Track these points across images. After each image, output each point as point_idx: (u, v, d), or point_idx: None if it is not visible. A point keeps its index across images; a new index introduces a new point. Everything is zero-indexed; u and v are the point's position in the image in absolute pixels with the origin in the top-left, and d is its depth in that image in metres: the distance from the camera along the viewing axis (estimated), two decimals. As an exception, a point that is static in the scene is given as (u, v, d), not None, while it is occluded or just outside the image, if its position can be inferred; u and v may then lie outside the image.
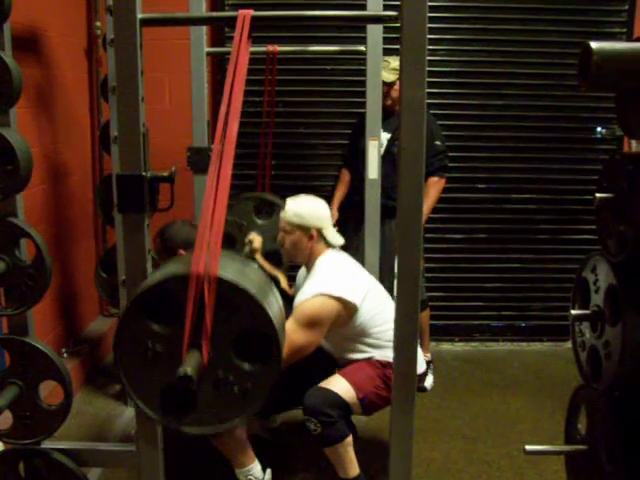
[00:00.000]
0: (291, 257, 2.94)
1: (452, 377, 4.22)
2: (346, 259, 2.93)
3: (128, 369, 1.64)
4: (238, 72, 1.64)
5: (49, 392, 2.75)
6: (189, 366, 1.51)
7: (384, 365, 2.74)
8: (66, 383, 2.48)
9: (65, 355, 3.86)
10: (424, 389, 3.98)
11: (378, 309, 2.79)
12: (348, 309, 2.70)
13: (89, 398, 3.80)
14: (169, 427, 1.71)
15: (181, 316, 1.56)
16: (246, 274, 1.65)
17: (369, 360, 2.80)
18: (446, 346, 4.76)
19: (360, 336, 2.80)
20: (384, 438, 3.14)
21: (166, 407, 1.66)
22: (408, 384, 1.78)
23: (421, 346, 4.03)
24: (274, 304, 1.67)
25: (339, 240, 2.88)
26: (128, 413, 3.53)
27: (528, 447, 1.87)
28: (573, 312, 1.81)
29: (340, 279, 2.75)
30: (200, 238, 1.57)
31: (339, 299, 2.66)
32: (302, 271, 3.06)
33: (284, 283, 3.05)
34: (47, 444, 2.52)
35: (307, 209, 2.82)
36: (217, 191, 1.59)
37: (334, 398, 2.66)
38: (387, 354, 2.73)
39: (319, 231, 2.81)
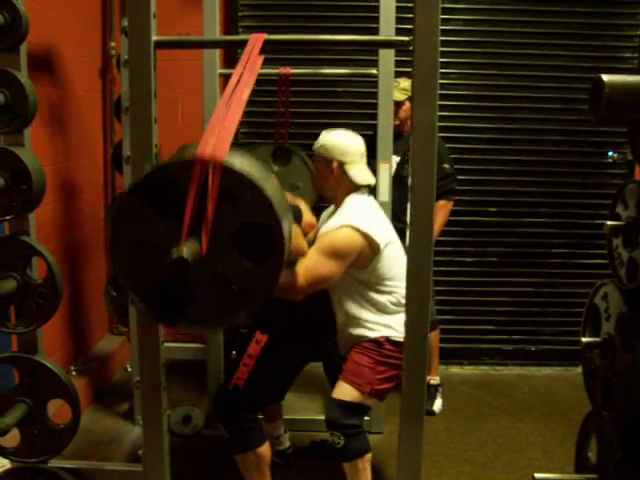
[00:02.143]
0: (318, 188, 2.89)
1: (461, 401, 4.19)
2: (375, 203, 2.86)
3: (123, 260, 1.59)
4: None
5: (57, 410, 2.75)
6: (185, 248, 1.46)
7: (380, 344, 2.68)
8: (74, 402, 2.48)
9: (74, 373, 3.86)
10: (432, 413, 3.95)
11: (396, 262, 2.69)
12: (372, 248, 2.62)
13: (97, 416, 3.79)
14: (163, 323, 1.66)
15: (183, 207, 1.51)
16: (256, 169, 1.58)
17: (365, 346, 2.72)
18: (455, 369, 4.73)
19: (372, 287, 2.70)
20: (392, 463, 3.13)
21: (160, 302, 1.60)
22: (416, 419, 1.77)
23: (429, 368, 4.01)
24: (283, 204, 1.59)
25: (365, 179, 2.77)
26: (136, 432, 3.52)
27: (537, 475, 1.85)
28: (584, 339, 1.80)
29: (369, 217, 2.67)
30: (212, 124, 1.54)
31: (366, 235, 2.58)
32: (328, 210, 2.98)
33: (306, 211, 2.89)
34: (54, 463, 2.52)
35: (333, 141, 2.74)
36: (239, 84, 1.58)
37: (347, 406, 2.66)
38: (388, 322, 2.70)
39: (341, 165, 2.72)
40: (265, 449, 2.74)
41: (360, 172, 2.75)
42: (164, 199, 1.54)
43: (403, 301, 2.65)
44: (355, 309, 2.75)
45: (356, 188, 2.76)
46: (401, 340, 2.61)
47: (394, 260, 2.69)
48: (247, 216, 1.51)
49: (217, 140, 1.51)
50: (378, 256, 2.65)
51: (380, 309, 2.73)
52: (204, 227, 1.50)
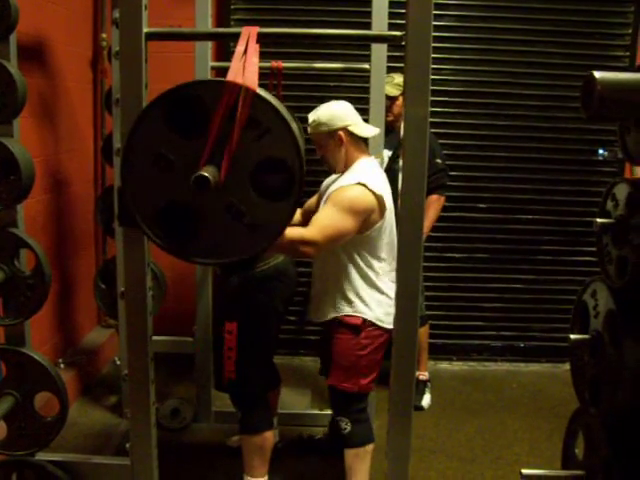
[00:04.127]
0: (330, 166, 2.78)
1: (449, 396, 4.20)
2: (382, 172, 2.81)
3: (134, 176, 1.56)
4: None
5: (45, 403, 2.74)
6: (207, 170, 1.44)
7: (357, 329, 2.64)
8: (62, 395, 2.47)
9: (62, 366, 3.85)
10: (421, 408, 3.96)
11: (391, 238, 2.67)
12: (381, 211, 2.58)
13: (85, 409, 3.78)
14: (169, 252, 1.63)
15: (204, 129, 1.49)
16: (284, 108, 1.57)
17: (343, 338, 2.67)
18: (444, 365, 4.74)
19: (364, 256, 2.63)
20: (381, 457, 3.14)
21: (168, 229, 1.59)
22: (404, 416, 1.77)
23: (418, 364, 4.02)
24: (303, 147, 1.58)
25: (371, 131, 2.74)
26: (124, 426, 3.51)
27: (524, 471, 1.86)
28: (572, 336, 1.80)
29: (378, 182, 2.62)
30: (238, 52, 1.52)
31: (378, 196, 2.54)
32: (330, 178, 2.90)
33: None
34: (41, 456, 2.51)
35: (327, 113, 2.67)
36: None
37: (347, 395, 2.69)
38: (367, 298, 2.65)
39: (345, 130, 2.66)
40: (271, 435, 2.84)
41: (363, 127, 2.72)
42: (188, 118, 1.52)
43: (385, 278, 2.67)
44: (341, 273, 2.67)
45: (365, 148, 2.75)
46: (377, 323, 2.64)
47: (389, 232, 2.67)
48: (271, 150, 1.50)
49: (247, 71, 1.49)
50: (380, 222, 2.61)
51: (360, 279, 2.66)
52: (226, 153, 1.48)
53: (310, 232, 2.40)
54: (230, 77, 1.49)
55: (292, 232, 2.31)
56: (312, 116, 2.72)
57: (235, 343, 2.69)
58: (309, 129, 2.74)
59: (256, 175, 1.53)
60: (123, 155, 1.58)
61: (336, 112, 2.69)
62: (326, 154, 2.74)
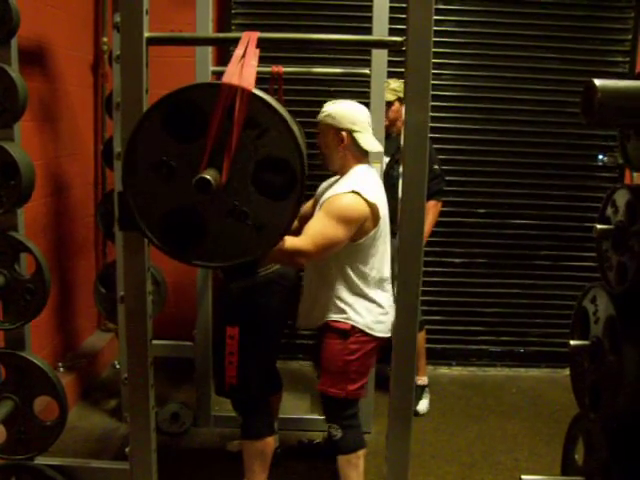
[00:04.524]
0: (325, 161, 2.78)
1: (449, 402, 4.20)
2: (379, 180, 2.81)
3: (136, 182, 1.56)
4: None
5: (44, 407, 2.73)
6: (208, 173, 1.44)
7: (346, 334, 2.62)
8: (61, 399, 2.47)
9: (61, 369, 3.84)
10: (417, 413, 3.95)
11: (383, 244, 2.67)
12: (374, 220, 2.56)
13: (84, 413, 3.77)
14: (174, 257, 1.62)
15: (203, 133, 1.49)
16: (282, 107, 1.57)
17: (332, 342, 2.65)
18: (443, 370, 4.74)
19: (354, 264, 2.62)
20: (380, 462, 3.13)
21: (172, 235, 1.58)
22: (404, 411, 1.77)
23: (417, 369, 4.02)
24: (304, 144, 1.58)
25: (375, 146, 2.71)
26: (123, 430, 3.50)
27: (524, 477, 1.86)
28: (572, 342, 1.80)
29: (374, 190, 2.61)
30: (236, 55, 1.53)
31: (372, 205, 2.52)
32: (328, 180, 2.90)
33: None
34: (40, 460, 2.51)
35: (340, 110, 2.67)
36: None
37: (337, 400, 2.68)
38: (355, 305, 2.64)
39: (350, 133, 2.64)
40: (272, 440, 2.84)
41: (368, 140, 2.71)
42: (186, 122, 1.52)
43: (376, 286, 2.66)
44: (333, 281, 2.66)
45: (363, 159, 2.73)
46: (367, 330, 2.62)
47: (381, 241, 2.66)
48: (271, 149, 1.50)
49: (244, 72, 1.49)
50: (374, 230, 2.59)
51: (351, 286, 2.65)
52: (226, 154, 1.49)
53: (302, 242, 2.39)
54: (226, 79, 1.49)
55: (284, 242, 2.31)
56: (327, 106, 2.73)
57: (237, 348, 2.69)
58: (319, 116, 2.74)
59: (258, 175, 1.53)
60: (124, 164, 1.58)
61: (348, 113, 2.68)
62: (325, 148, 2.74)
